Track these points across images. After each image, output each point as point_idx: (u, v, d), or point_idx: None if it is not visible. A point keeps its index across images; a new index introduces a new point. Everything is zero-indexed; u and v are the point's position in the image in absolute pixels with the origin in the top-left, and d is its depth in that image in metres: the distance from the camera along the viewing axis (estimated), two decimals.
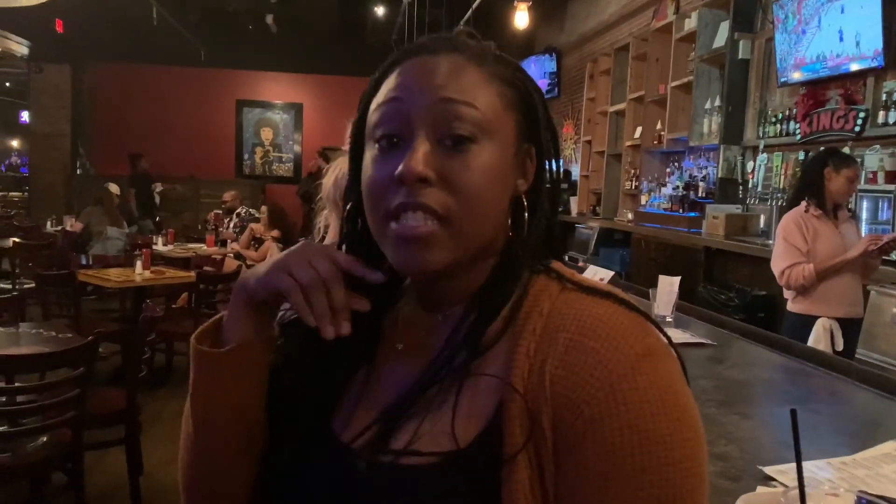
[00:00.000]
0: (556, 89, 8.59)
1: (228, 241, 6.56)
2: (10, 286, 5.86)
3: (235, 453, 0.64)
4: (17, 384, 2.56)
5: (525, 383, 0.55)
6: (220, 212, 7.54)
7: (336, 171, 1.54)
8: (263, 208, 6.63)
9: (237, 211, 7.02)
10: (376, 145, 0.60)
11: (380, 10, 8.80)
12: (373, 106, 0.62)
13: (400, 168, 0.57)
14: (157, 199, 9.51)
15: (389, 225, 0.59)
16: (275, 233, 6.08)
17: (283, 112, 11.33)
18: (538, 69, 8.83)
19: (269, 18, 9.42)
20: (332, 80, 10.43)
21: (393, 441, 0.57)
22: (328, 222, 1.57)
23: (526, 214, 0.63)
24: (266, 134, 11.34)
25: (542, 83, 8.70)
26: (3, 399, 2.43)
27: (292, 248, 0.62)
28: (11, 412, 2.37)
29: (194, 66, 10.21)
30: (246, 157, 11.31)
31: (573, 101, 8.24)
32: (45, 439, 2.44)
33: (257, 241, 6.16)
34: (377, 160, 0.60)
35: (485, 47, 0.64)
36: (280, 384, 0.65)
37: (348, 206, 0.67)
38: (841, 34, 3.81)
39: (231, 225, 6.93)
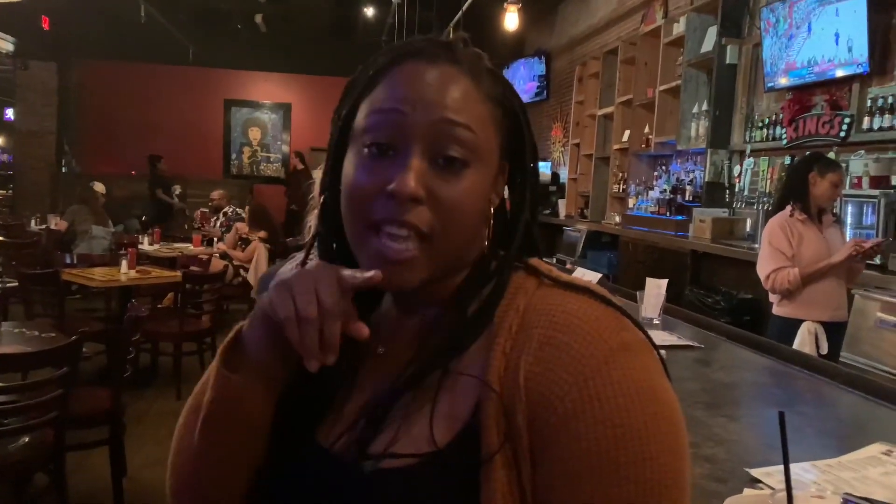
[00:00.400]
0: (545, 92, 8.62)
1: (215, 239, 6.51)
2: None
3: (239, 465, 0.63)
4: None
5: (501, 381, 0.54)
6: (207, 210, 7.50)
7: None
8: (248, 208, 6.60)
9: (224, 210, 6.98)
10: (365, 150, 0.59)
11: (370, 11, 8.79)
12: (366, 107, 0.60)
13: (394, 185, 0.56)
14: (177, 201, 9.48)
15: (370, 238, 0.58)
16: (262, 233, 6.05)
17: (271, 112, 11.29)
18: (528, 72, 8.85)
19: (259, 18, 9.38)
20: (321, 80, 10.39)
21: (373, 445, 0.57)
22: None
23: (506, 222, 0.64)
24: (254, 134, 11.28)
25: (532, 86, 8.74)
26: None
27: (306, 268, 0.60)
28: None
29: (182, 64, 10.14)
30: (234, 156, 11.25)
31: (562, 103, 8.27)
32: (27, 440, 2.41)
33: (244, 242, 6.12)
34: (364, 165, 0.59)
35: (480, 59, 0.63)
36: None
37: (322, 201, 0.67)
38: (837, 37, 3.83)
39: (218, 224, 6.89)
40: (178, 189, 9.61)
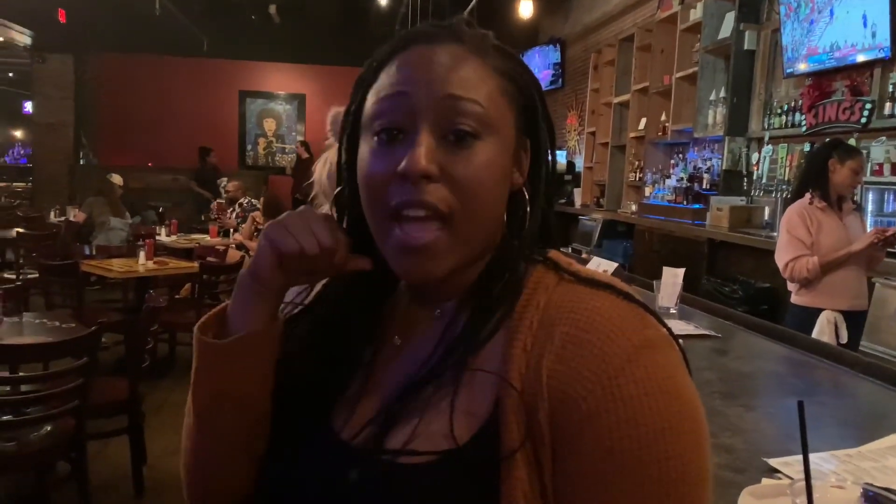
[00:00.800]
0: (561, 80, 8.55)
1: (231, 230, 6.56)
2: (13, 276, 5.88)
3: (236, 446, 0.63)
4: (21, 374, 2.57)
5: (522, 379, 0.54)
6: (223, 201, 7.55)
7: (327, 166, 1.54)
8: (262, 199, 6.63)
9: (240, 201, 7.02)
10: (375, 138, 0.59)
11: (383, 0, 8.76)
12: (373, 96, 0.60)
13: (404, 164, 0.55)
14: (224, 194, 9.52)
15: (391, 227, 0.58)
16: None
17: (285, 103, 11.32)
18: (542, 60, 8.79)
19: (272, 9, 9.38)
20: (335, 70, 10.38)
21: (390, 440, 0.57)
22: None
23: (523, 208, 0.63)
24: (269, 125, 11.33)
25: (547, 74, 8.67)
26: (8, 388, 2.44)
27: (293, 211, 0.62)
28: (16, 402, 2.38)
29: (197, 56, 10.19)
30: (249, 147, 11.31)
31: (577, 92, 8.21)
32: (48, 429, 2.45)
33: (260, 232, 6.16)
34: (376, 153, 0.59)
35: (485, 37, 0.62)
36: (280, 380, 0.64)
37: (337, 195, 0.67)
38: (865, 19, 3.74)
39: (234, 215, 6.94)
40: (224, 181, 9.61)
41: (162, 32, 8.91)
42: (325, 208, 1.56)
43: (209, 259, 5.02)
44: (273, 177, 10.90)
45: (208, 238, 6.23)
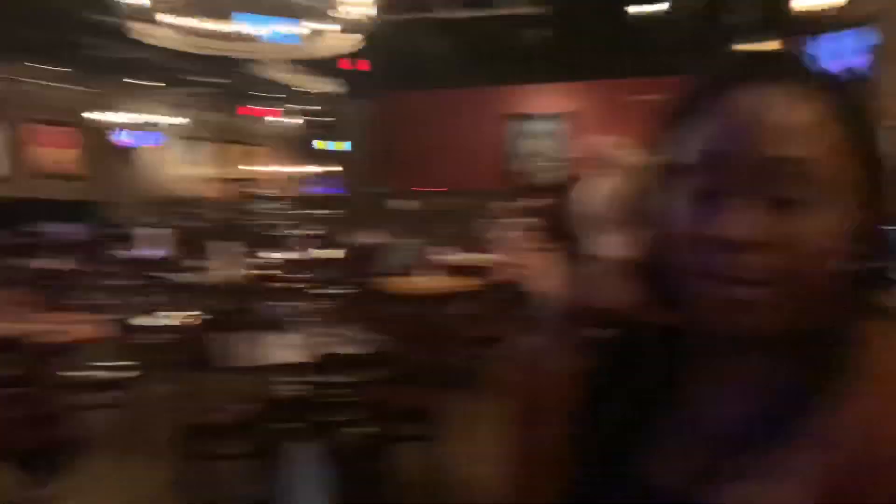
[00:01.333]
0: (875, 66, 7.43)
1: (503, 251, 6.83)
2: (333, 292, 6.84)
3: (549, 465, 0.66)
4: (333, 380, 2.92)
5: (862, 451, 0.49)
6: (497, 221, 7.92)
7: (603, 196, 1.48)
8: (536, 219, 6.77)
9: (510, 221, 7.30)
10: (689, 189, 0.55)
11: (647, 8, 8.46)
12: (690, 142, 0.56)
13: (724, 230, 0.52)
14: (499, 214, 10.31)
15: (703, 283, 0.54)
16: (555, 245, 6.15)
17: (551, 123, 11.71)
18: (850, 45, 7.76)
19: (539, 32, 9.65)
20: (599, 85, 10.49)
21: (718, 496, 0.53)
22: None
23: (861, 254, 0.54)
24: (534, 145, 11.81)
25: (855, 60, 7.63)
26: (323, 392, 2.78)
27: (591, 269, 0.60)
28: (328, 405, 2.71)
29: (466, 86, 11.19)
30: (516, 168, 11.87)
31: (894, 79, 6.99)
32: (357, 430, 2.74)
33: (536, 251, 6.28)
34: (689, 207, 0.55)
35: (821, 76, 0.55)
36: (585, 420, 0.65)
37: (647, 235, 0.61)
38: None
39: (505, 236, 7.22)
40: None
41: (437, 68, 9.90)
42: (609, 240, 1.48)
43: (490, 278, 5.29)
44: (543, 197, 11.26)
45: (489, 257, 6.58)
